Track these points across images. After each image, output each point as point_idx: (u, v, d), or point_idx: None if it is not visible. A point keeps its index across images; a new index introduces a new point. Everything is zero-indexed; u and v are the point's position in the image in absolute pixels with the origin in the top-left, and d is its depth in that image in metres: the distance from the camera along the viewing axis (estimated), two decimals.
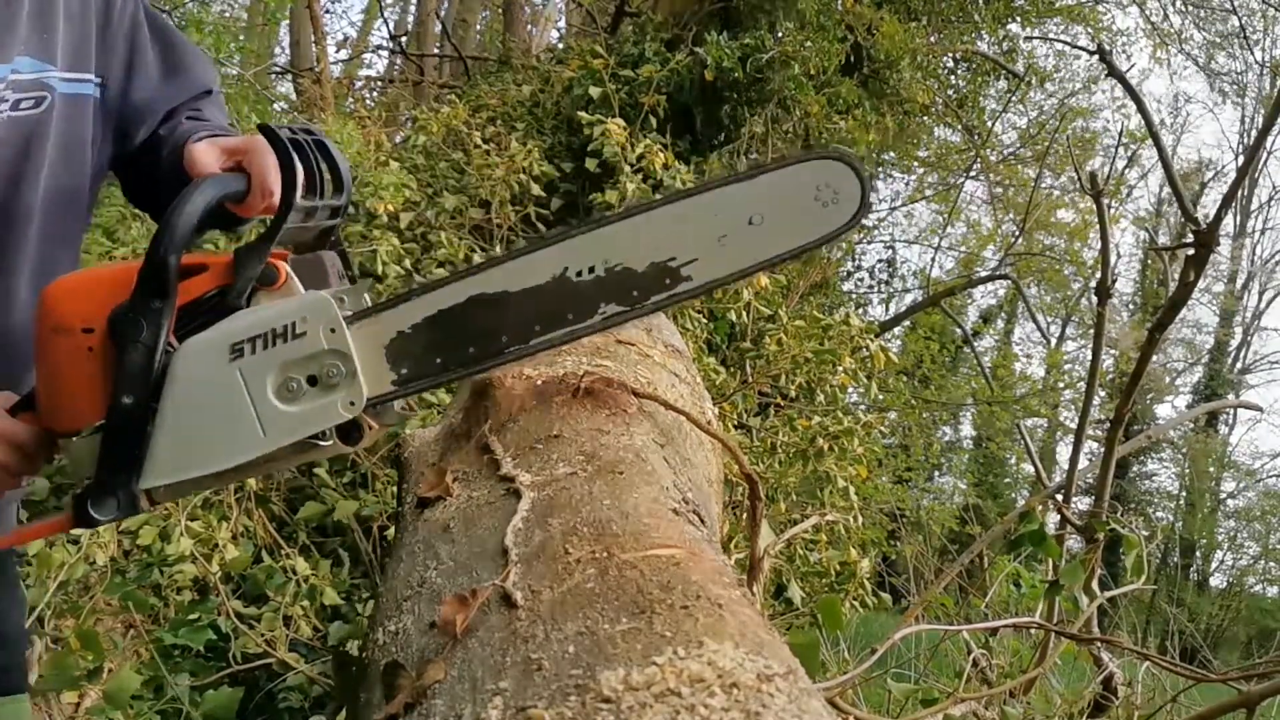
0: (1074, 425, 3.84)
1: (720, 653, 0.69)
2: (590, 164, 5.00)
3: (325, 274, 1.07)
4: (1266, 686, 2.06)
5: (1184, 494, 18.43)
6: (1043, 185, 11.84)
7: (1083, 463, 3.84)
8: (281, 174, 1.02)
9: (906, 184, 13.34)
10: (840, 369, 4.58)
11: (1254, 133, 16.97)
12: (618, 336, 1.66)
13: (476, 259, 4.14)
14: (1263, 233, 20.46)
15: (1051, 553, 2.55)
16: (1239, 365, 19.98)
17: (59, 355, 0.98)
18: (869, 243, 13.00)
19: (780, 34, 6.52)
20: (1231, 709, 2.09)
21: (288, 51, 10.87)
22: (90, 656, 2.28)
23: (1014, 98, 10.05)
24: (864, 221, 1.08)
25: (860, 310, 10.10)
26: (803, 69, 6.07)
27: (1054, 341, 16.54)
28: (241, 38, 8.31)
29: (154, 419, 0.96)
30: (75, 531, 1.71)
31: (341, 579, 3.40)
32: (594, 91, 5.78)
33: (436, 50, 10.73)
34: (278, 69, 10.33)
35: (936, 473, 14.04)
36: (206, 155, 1.14)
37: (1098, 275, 3.38)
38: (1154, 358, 4.63)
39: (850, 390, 5.42)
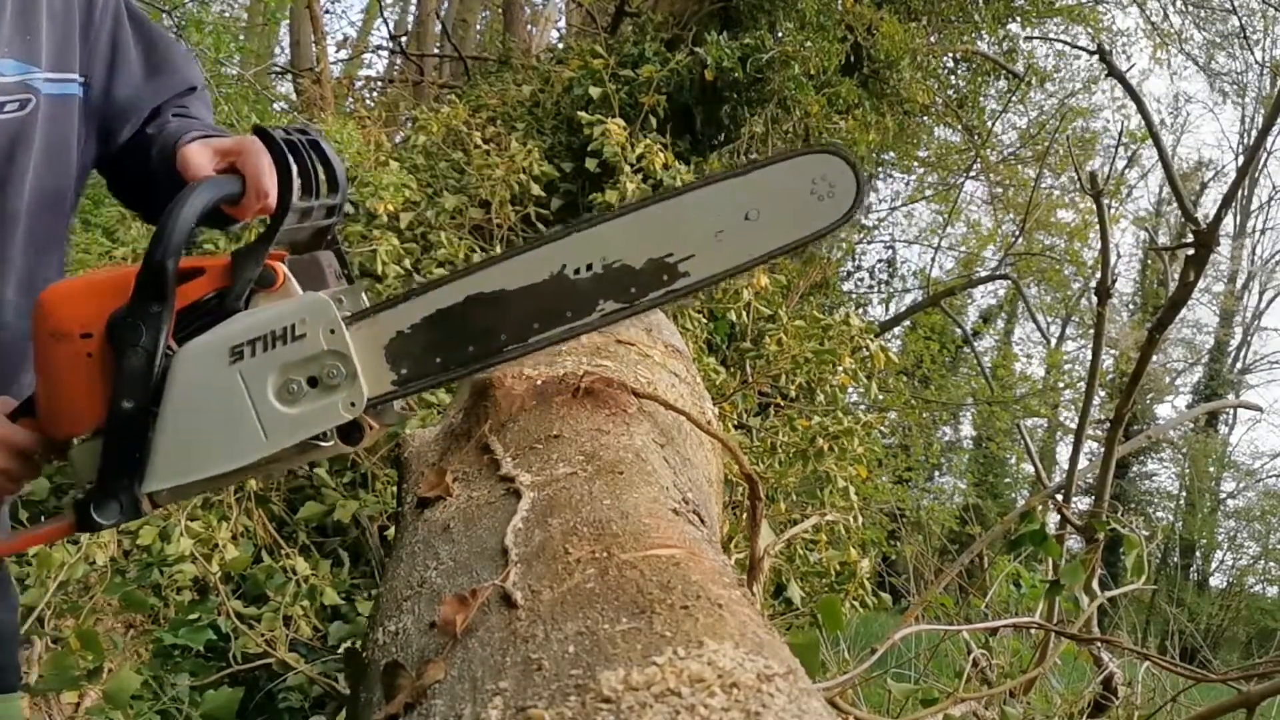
0: (1074, 425, 3.84)
1: (720, 653, 0.69)
2: (590, 164, 5.00)
3: (323, 274, 1.07)
4: (1266, 686, 2.06)
5: (1184, 494, 18.39)
6: (1043, 185, 11.81)
7: (1083, 463, 3.84)
8: (278, 176, 1.01)
9: (906, 184, 13.30)
10: (840, 369, 4.59)
11: (1254, 133, 16.95)
12: (618, 336, 1.66)
13: (476, 259, 4.13)
14: (1263, 233, 20.42)
15: (1052, 553, 2.55)
16: (1239, 365, 19.96)
17: (58, 361, 0.98)
18: (869, 243, 12.98)
19: (780, 34, 6.52)
20: (1231, 709, 2.09)
21: (288, 51, 10.87)
22: (90, 656, 2.28)
23: (1014, 98, 10.04)
24: (862, 219, 1.08)
25: (860, 310, 10.06)
26: (803, 69, 6.06)
27: (1054, 341, 16.54)
28: (241, 38, 8.31)
29: (155, 423, 0.96)
30: None
31: (341, 579, 3.41)
32: (594, 91, 5.78)
33: (436, 50, 10.71)
34: (278, 69, 10.34)
35: (936, 473, 14.04)
36: (199, 157, 1.13)
37: (1098, 275, 3.38)
38: (1154, 358, 4.63)
39: (850, 390, 5.42)
